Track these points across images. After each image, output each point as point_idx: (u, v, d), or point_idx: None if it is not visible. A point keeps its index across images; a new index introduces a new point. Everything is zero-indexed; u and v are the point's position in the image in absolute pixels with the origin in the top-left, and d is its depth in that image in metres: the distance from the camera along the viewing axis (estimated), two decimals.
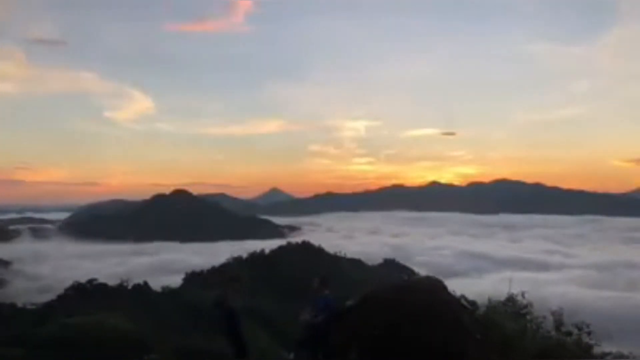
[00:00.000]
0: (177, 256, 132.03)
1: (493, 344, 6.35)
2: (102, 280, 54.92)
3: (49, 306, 45.04)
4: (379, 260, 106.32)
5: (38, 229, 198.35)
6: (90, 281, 53.26)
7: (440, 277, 7.39)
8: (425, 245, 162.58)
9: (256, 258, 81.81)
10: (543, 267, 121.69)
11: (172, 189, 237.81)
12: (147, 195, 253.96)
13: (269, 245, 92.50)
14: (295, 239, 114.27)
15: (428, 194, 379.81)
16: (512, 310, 7.55)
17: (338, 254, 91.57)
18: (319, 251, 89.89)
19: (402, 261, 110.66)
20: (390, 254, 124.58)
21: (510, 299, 7.67)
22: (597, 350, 6.93)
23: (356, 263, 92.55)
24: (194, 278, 70.45)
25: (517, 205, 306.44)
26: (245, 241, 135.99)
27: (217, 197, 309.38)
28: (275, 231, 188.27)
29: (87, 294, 48.99)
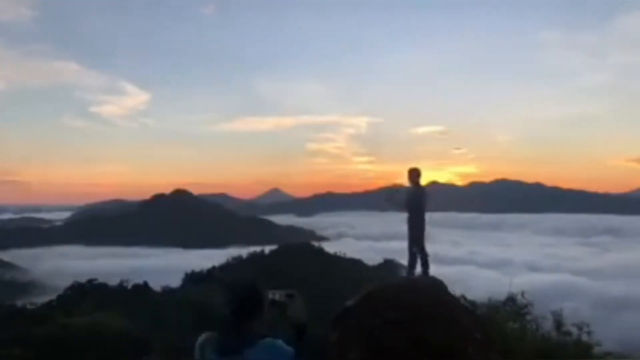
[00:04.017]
0: (177, 256, 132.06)
1: (493, 344, 6.34)
2: (101, 280, 54.84)
3: (48, 306, 44.98)
4: (379, 260, 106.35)
5: (37, 229, 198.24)
6: (90, 281, 53.19)
7: (440, 277, 7.38)
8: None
9: (256, 258, 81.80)
10: (544, 267, 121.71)
11: (172, 189, 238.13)
12: (147, 195, 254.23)
13: (268, 245, 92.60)
14: (295, 239, 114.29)
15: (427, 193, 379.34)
16: (512, 310, 7.55)
17: (338, 253, 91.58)
18: (318, 251, 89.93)
19: (402, 261, 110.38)
20: (390, 254, 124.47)
21: (510, 299, 7.67)
22: (597, 350, 6.92)
23: (356, 263, 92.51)
24: (194, 278, 70.43)
25: (517, 205, 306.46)
26: (245, 241, 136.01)
27: (217, 197, 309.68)
28: (276, 231, 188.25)
29: (86, 294, 48.94)
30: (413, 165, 7.88)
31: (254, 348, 2.44)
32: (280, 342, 2.48)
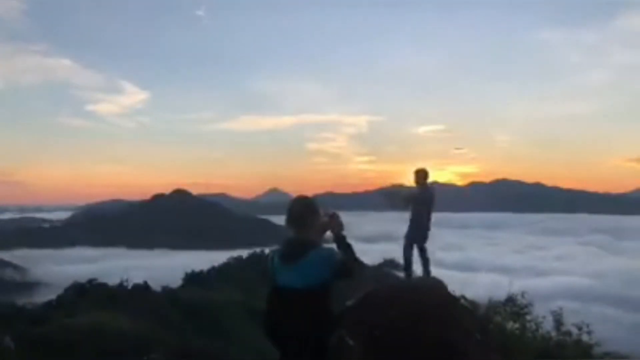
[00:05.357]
0: (177, 256, 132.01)
1: (493, 344, 6.34)
2: (101, 280, 54.82)
3: (48, 306, 44.97)
4: (379, 260, 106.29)
5: (37, 229, 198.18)
6: (90, 281, 53.15)
7: (440, 277, 7.38)
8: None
9: (256, 258, 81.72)
10: (543, 267, 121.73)
11: (171, 188, 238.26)
12: (147, 195, 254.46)
13: (269, 245, 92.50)
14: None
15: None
16: (512, 310, 7.55)
17: None
18: None
19: (402, 261, 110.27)
20: (390, 254, 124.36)
21: (510, 299, 7.68)
22: (597, 350, 6.93)
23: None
24: (193, 278, 70.37)
25: (517, 205, 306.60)
26: (245, 241, 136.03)
27: (217, 197, 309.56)
28: (276, 231, 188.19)
29: (86, 294, 48.92)
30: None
31: (310, 254, 3.02)
32: (331, 249, 3.17)
